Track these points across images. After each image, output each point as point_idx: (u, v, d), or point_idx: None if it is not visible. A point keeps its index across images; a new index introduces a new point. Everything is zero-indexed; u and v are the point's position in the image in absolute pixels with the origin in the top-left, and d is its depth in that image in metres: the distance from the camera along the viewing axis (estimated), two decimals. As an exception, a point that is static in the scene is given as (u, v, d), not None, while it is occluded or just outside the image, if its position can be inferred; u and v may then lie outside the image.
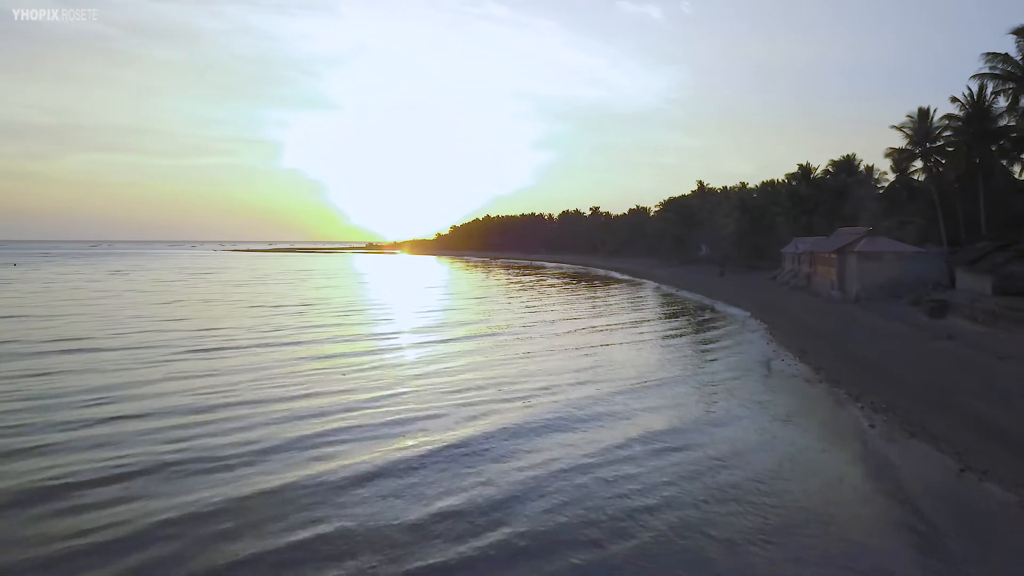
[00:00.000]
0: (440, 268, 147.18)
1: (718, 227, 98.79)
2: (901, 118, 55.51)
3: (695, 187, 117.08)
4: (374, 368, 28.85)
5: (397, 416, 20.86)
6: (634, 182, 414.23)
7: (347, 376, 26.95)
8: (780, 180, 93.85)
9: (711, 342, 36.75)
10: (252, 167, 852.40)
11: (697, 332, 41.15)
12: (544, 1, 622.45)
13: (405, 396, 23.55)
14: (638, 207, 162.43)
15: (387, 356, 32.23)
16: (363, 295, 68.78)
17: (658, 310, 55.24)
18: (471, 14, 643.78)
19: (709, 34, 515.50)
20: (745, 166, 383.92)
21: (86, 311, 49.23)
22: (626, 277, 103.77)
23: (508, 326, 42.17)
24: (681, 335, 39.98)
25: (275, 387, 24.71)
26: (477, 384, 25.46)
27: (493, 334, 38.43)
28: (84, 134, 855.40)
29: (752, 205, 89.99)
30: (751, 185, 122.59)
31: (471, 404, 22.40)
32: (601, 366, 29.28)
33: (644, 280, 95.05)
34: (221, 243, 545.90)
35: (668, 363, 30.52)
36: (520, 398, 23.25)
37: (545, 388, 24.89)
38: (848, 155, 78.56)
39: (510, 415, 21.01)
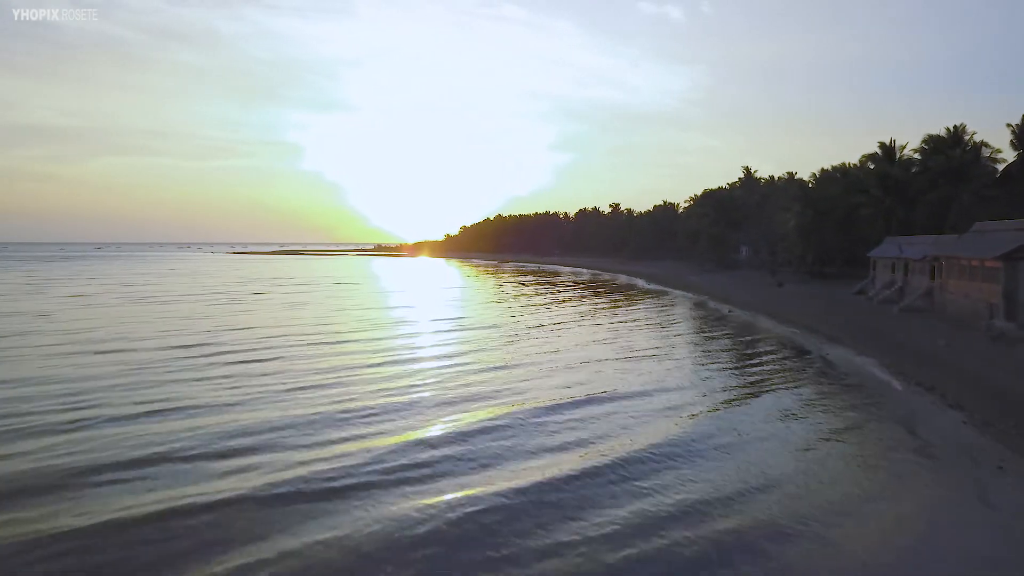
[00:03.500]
0: (440, 274, 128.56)
1: (773, 224, 78.96)
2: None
3: (740, 176, 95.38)
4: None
5: None
6: (653, 182, 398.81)
7: None
8: (852, 164, 73.77)
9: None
10: (272, 169, 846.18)
11: (838, 437, 21.21)
12: (561, 2, 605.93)
13: None
14: (665, 203, 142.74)
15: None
16: (307, 322, 49.98)
17: (719, 356, 35.62)
18: (487, 15, 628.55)
19: (729, 34, 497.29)
20: (765, 166, 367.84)
21: None
22: (654, 287, 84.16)
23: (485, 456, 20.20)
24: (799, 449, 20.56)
25: None
26: None
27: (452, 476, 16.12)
28: (106, 137, 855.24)
29: (817, 196, 69.95)
30: (800, 175, 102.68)
31: None
32: None
33: (677, 291, 75.49)
34: (232, 245, 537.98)
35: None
36: None
37: None
38: (956, 126, 58.57)
39: None
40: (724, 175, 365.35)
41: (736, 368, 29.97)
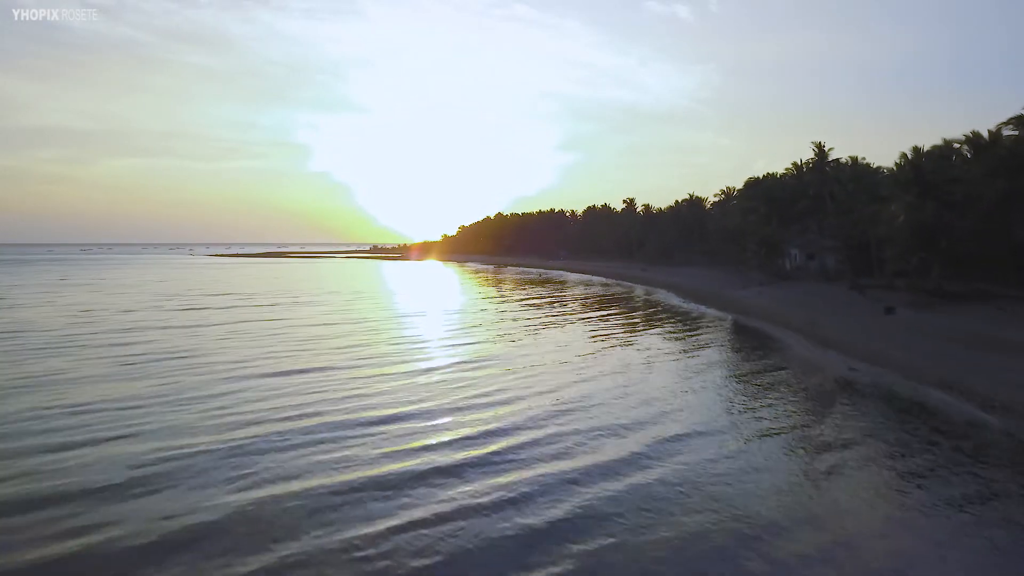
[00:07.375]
0: (425, 283, 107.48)
1: (855, 221, 57.19)
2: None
3: (806, 158, 71.73)
4: None
5: None
6: (663, 182, 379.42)
7: None
8: (981, 136, 51.39)
9: None
10: (281, 170, 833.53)
11: None
12: (570, 2, 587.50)
13: None
14: (692, 197, 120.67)
15: None
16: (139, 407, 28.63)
17: None
18: (497, 16, 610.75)
19: (737, 33, 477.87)
20: (777, 166, 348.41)
21: None
22: (692, 306, 62.47)
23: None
24: None
25: None
26: None
27: None
28: (118, 139, 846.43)
29: (935, 180, 47.99)
30: (866, 160, 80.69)
31: None
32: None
33: (724, 314, 53.86)
34: (228, 246, 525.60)
35: None
36: None
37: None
38: None
39: None
40: (733, 174, 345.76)
41: None
